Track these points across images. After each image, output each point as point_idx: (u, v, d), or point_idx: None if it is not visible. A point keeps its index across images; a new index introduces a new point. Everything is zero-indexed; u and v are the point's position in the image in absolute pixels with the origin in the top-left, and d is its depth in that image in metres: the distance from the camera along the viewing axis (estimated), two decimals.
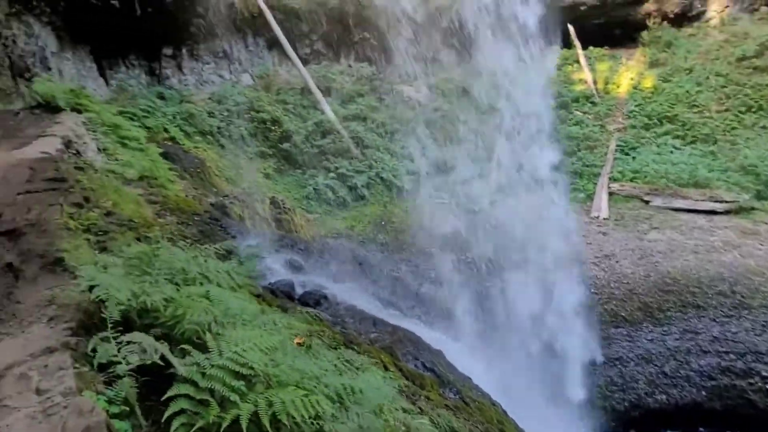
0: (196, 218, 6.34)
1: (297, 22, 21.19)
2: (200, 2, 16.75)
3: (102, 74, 15.60)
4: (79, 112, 8.32)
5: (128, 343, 1.88)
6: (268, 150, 18.76)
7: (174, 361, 1.96)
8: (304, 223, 10.57)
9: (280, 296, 5.38)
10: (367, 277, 9.87)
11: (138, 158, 7.93)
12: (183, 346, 1.99)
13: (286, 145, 18.84)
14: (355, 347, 4.07)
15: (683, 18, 23.27)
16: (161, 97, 16.51)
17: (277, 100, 19.69)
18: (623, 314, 14.57)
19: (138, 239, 4.03)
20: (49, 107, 8.32)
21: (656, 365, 13.47)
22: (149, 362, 1.94)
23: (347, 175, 19.03)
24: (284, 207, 10.18)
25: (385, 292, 9.37)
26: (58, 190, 3.69)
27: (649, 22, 23.71)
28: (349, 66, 22.96)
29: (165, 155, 10.49)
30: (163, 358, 1.96)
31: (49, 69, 12.58)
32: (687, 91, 21.10)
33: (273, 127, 18.77)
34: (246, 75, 20.38)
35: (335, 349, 3.40)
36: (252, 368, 2.02)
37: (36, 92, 8.27)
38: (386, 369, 4.35)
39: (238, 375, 1.99)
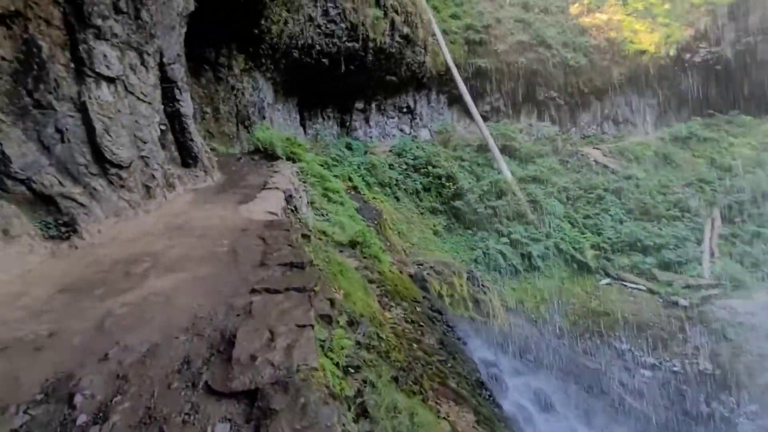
0: (418, 309, 4.90)
1: (481, 80, 20.17)
2: (395, 61, 16.67)
3: (302, 124, 16.23)
4: (293, 161, 7.83)
5: None
6: (439, 206, 17.51)
7: None
8: (499, 302, 8.58)
9: None
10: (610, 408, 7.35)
11: (341, 215, 7.02)
12: None
13: (458, 203, 17.36)
14: None
15: None
16: (348, 147, 16.55)
17: (453, 156, 18.55)
18: None
19: (395, 379, 2.55)
20: (266, 154, 7.99)
21: None
22: None
23: (521, 242, 16.61)
24: (482, 284, 8.37)
25: None
26: (303, 292, 2.35)
27: None
28: (530, 125, 20.99)
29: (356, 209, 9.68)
30: None
31: (264, 118, 13.16)
32: None
33: (447, 184, 17.52)
34: (425, 130, 19.80)
35: None
36: None
37: (258, 139, 8.04)
38: None
39: None
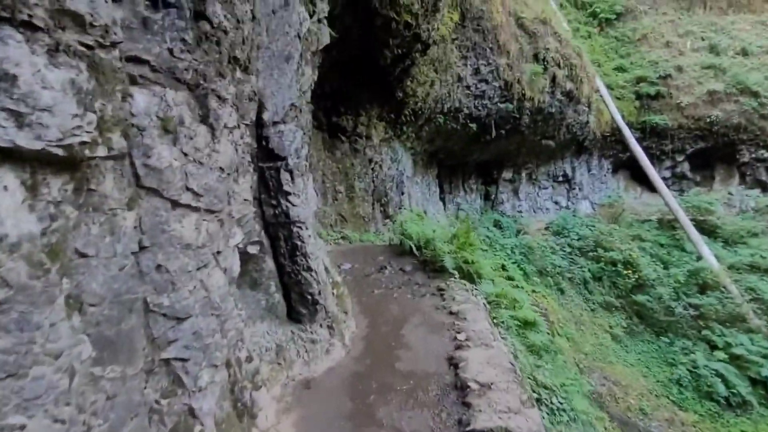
0: None
1: (658, 140, 15.11)
2: (554, 122, 12.80)
3: (442, 198, 13.00)
4: (469, 277, 4.29)
5: None
6: (615, 301, 12.35)
7: None
8: None
9: None
10: None
11: (578, 407, 3.24)
12: None
13: (642, 298, 12.04)
14: None
15: None
16: (498, 225, 12.69)
17: (629, 236, 13.46)
18: None
19: None
20: (424, 261, 4.59)
21: None
22: None
23: (748, 360, 10.55)
24: None
25: None
26: None
27: None
28: (729, 194, 14.91)
29: None
30: None
31: (402, 194, 10.16)
32: None
33: (625, 272, 12.39)
34: (585, 202, 15.11)
35: None
36: None
37: (407, 234, 4.71)
38: None
39: None
